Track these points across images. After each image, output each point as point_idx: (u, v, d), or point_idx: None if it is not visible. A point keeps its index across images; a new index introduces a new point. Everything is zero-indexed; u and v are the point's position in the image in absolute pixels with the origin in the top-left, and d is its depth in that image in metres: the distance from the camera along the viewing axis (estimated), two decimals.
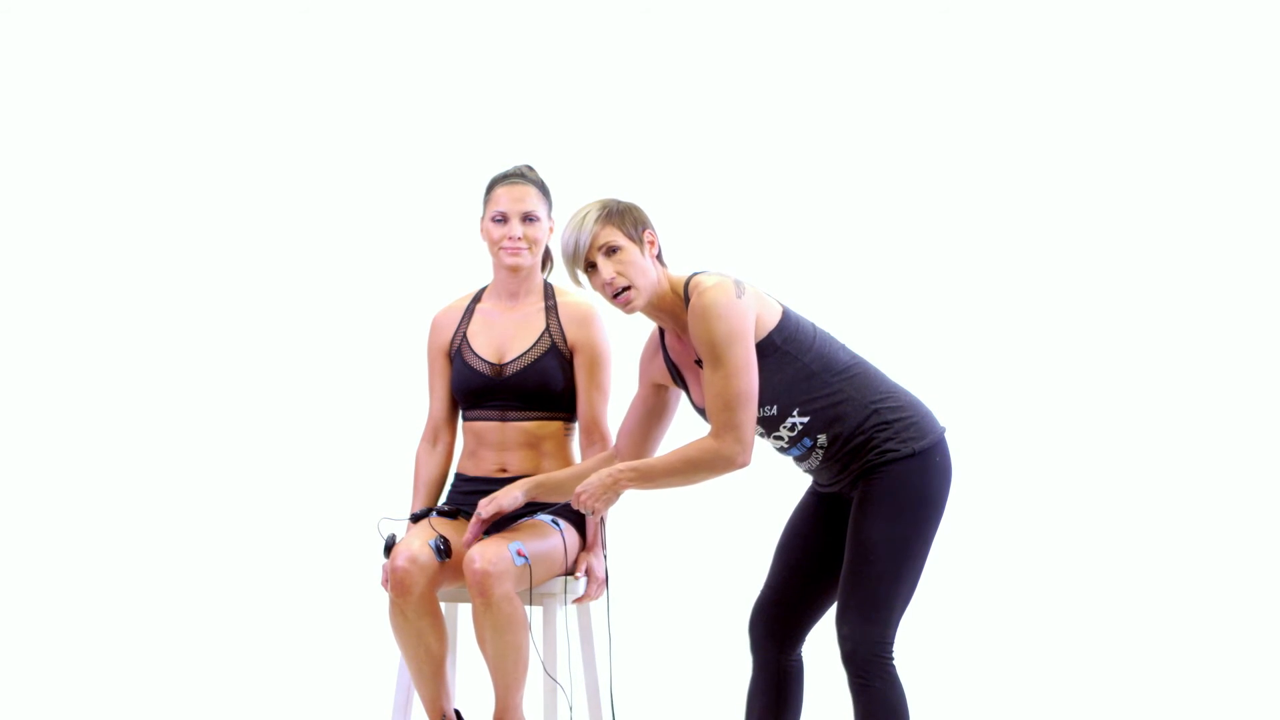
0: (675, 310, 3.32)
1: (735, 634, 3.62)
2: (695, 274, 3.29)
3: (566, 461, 3.78)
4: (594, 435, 3.76)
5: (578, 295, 3.78)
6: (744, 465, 3.23)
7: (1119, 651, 5.34)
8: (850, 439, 3.28)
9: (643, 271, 3.27)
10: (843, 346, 3.35)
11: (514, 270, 3.78)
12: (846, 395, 3.29)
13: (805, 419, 3.29)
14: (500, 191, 3.76)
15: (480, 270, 3.91)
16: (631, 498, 3.59)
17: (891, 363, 3.50)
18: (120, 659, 5.39)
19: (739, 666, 3.59)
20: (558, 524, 3.67)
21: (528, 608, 3.54)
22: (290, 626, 5.53)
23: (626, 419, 3.52)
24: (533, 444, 3.75)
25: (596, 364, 3.76)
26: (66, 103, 5.81)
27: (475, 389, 3.76)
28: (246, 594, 5.62)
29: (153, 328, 5.81)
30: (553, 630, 3.66)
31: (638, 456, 3.48)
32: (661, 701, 4.94)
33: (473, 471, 3.79)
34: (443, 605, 3.68)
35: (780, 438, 3.34)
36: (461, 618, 3.84)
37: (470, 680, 3.99)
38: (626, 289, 3.26)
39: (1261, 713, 4.89)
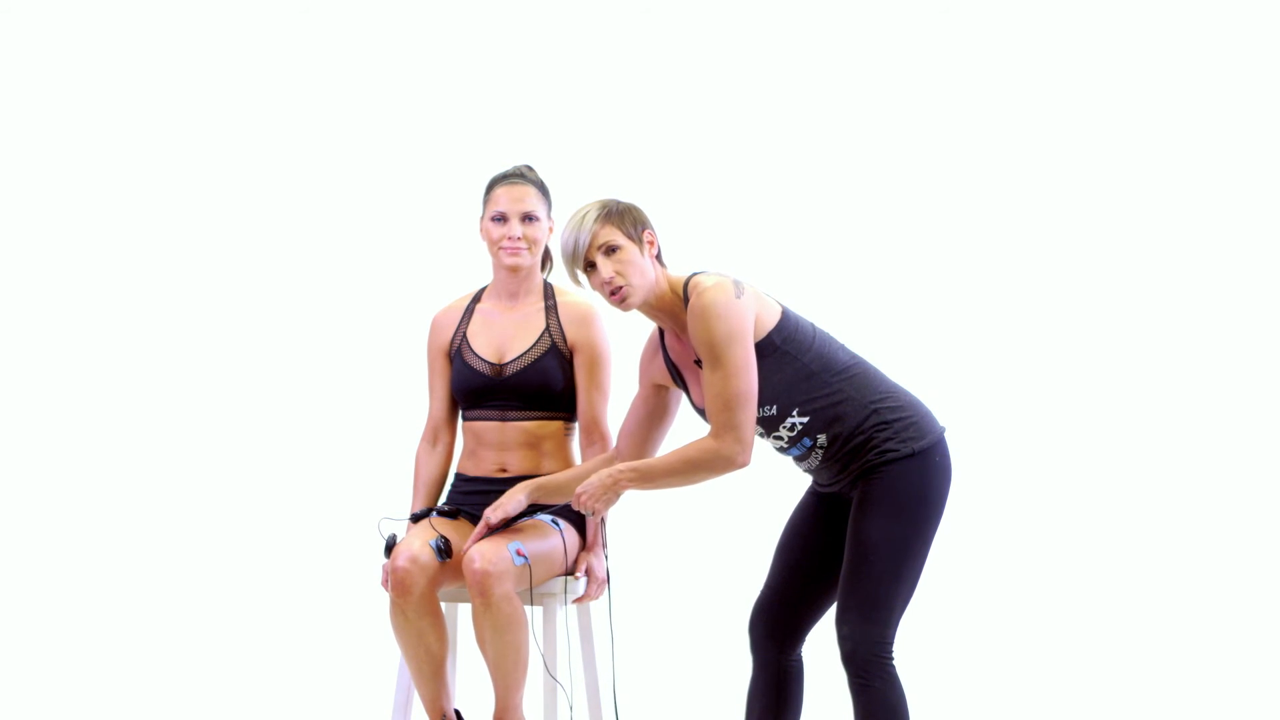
0: (675, 310, 3.32)
1: (735, 634, 3.62)
2: (694, 274, 3.29)
3: (567, 461, 3.78)
4: (594, 435, 3.76)
5: (578, 295, 3.78)
6: (744, 465, 3.23)
7: (1119, 651, 5.34)
8: (850, 439, 3.28)
9: (641, 271, 3.27)
10: (842, 346, 3.35)
11: (514, 270, 3.78)
12: (846, 395, 3.29)
13: (805, 419, 3.30)
14: (500, 191, 3.76)
15: (480, 270, 3.91)
16: (631, 498, 3.59)
17: (891, 363, 3.50)
18: (120, 659, 5.39)
19: (739, 666, 3.59)
20: (558, 524, 3.67)
21: (528, 608, 3.54)
22: (290, 626, 5.53)
23: (627, 420, 3.52)
24: (533, 444, 3.75)
25: (596, 364, 3.76)
26: (66, 103, 5.81)
27: (475, 389, 3.76)
28: (247, 594, 5.62)
29: (153, 328, 5.81)
30: (553, 630, 3.66)
31: (638, 457, 3.49)
32: (661, 701, 4.94)
33: (473, 471, 3.79)
34: (443, 605, 3.68)
35: (780, 438, 3.34)
36: (461, 618, 3.84)
37: (470, 680, 3.99)
38: (623, 288, 3.26)
39: (1261, 713, 4.89)
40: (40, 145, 5.82)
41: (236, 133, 5.82)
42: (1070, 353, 5.77)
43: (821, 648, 3.47)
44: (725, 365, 3.19)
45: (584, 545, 3.73)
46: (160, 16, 5.81)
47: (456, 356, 3.82)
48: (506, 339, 3.78)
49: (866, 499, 3.26)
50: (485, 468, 3.77)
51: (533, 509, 3.64)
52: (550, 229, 3.79)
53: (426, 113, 5.79)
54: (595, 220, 3.28)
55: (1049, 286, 5.78)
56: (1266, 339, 5.73)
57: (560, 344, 3.76)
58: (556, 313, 3.79)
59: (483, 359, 3.77)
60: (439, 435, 3.87)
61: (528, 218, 3.75)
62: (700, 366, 3.29)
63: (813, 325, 3.35)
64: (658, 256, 3.34)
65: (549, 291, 3.83)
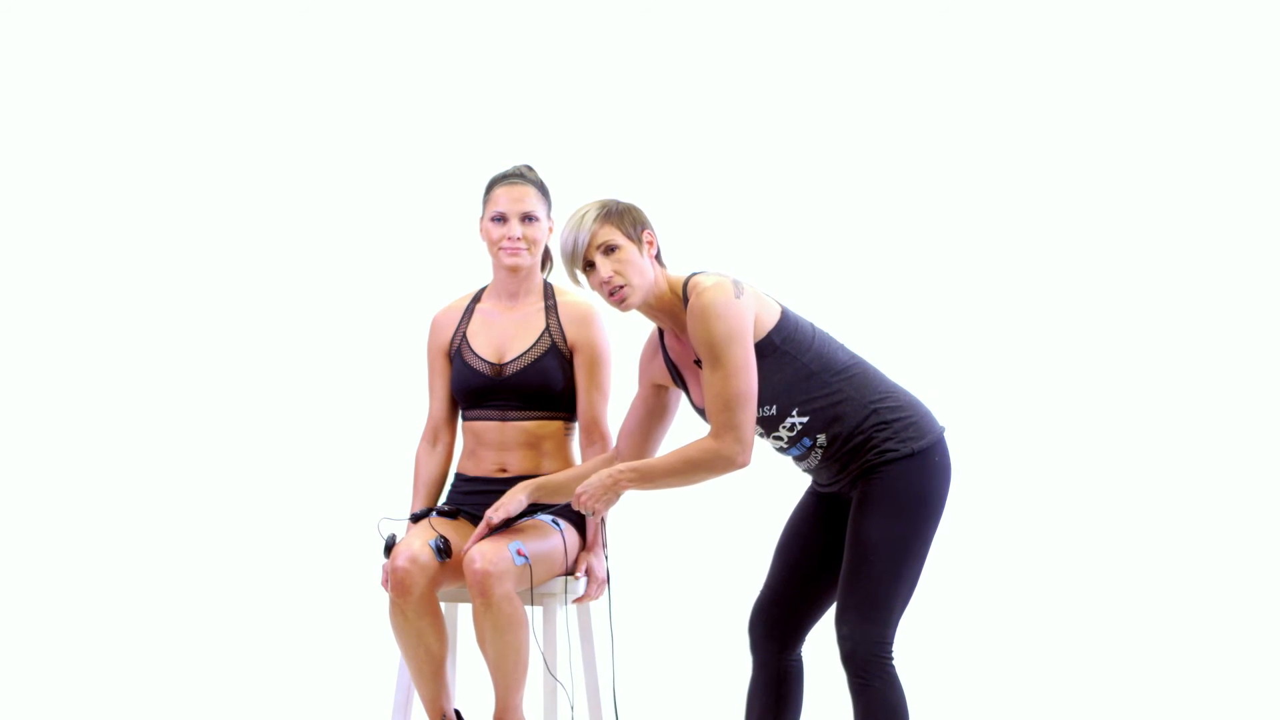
0: (674, 310, 3.32)
1: (735, 634, 3.62)
2: (694, 274, 3.29)
3: (567, 461, 3.78)
4: (594, 435, 3.76)
5: (577, 295, 3.78)
6: (744, 465, 3.23)
7: (1119, 651, 5.34)
8: (849, 439, 3.28)
9: (640, 271, 3.28)
10: (841, 346, 3.35)
11: (513, 270, 3.78)
12: (846, 395, 3.29)
13: (804, 419, 3.30)
14: (499, 192, 3.76)
15: (480, 270, 3.91)
16: (631, 498, 3.59)
17: (891, 362, 3.50)
18: (120, 659, 5.39)
19: (739, 666, 3.59)
20: (558, 524, 3.67)
21: (528, 608, 3.54)
22: (290, 626, 5.53)
23: (627, 420, 3.52)
24: (533, 444, 3.75)
25: (596, 364, 3.76)
26: (66, 103, 5.81)
27: (475, 389, 3.76)
28: (247, 594, 5.62)
29: (153, 328, 5.81)
30: (553, 630, 3.66)
31: (638, 457, 3.49)
32: (661, 701, 4.94)
33: (473, 471, 3.79)
34: (443, 605, 3.68)
35: (780, 438, 3.34)
36: (461, 618, 3.84)
37: (470, 680, 3.99)
38: (622, 287, 3.26)
39: (1261, 713, 4.89)
40: (40, 145, 5.82)
41: (237, 133, 5.82)
42: (1070, 353, 5.77)
43: (821, 648, 3.47)
44: (725, 365, 3.19)
45: (584, 545, 3.73)
46: (160, 16, 5.81)
47: (456, 356, 3.82)
48: (506, 339, 3.78)
49: (866, 499, 3.26)
50: (485, 468, 3.77)
51: (533, 509, 3.64)
52: (550, 229, 3.79)
53: (426, 113, 5.79)
54: (594, 220, 3.28)
55: (1049, 286, 5.78)
56: (1266, 339, 5.73)
57: (560, 344, 3.76)
58: (556, 313, 3.79)
59: (483, 359, 3.77)
60: (439, 435, 3.87)
61: (527, 218, 3.75)
62: (700, 366, 3.29)
63: (812, 325, 3.35)
64: (657, 256, 3.34)
65: (549, 291, 3.83)
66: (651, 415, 3.50)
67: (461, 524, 3.69)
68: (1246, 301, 5.75)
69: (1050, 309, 5.78)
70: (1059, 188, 5.79)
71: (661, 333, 3.44)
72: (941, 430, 3.32)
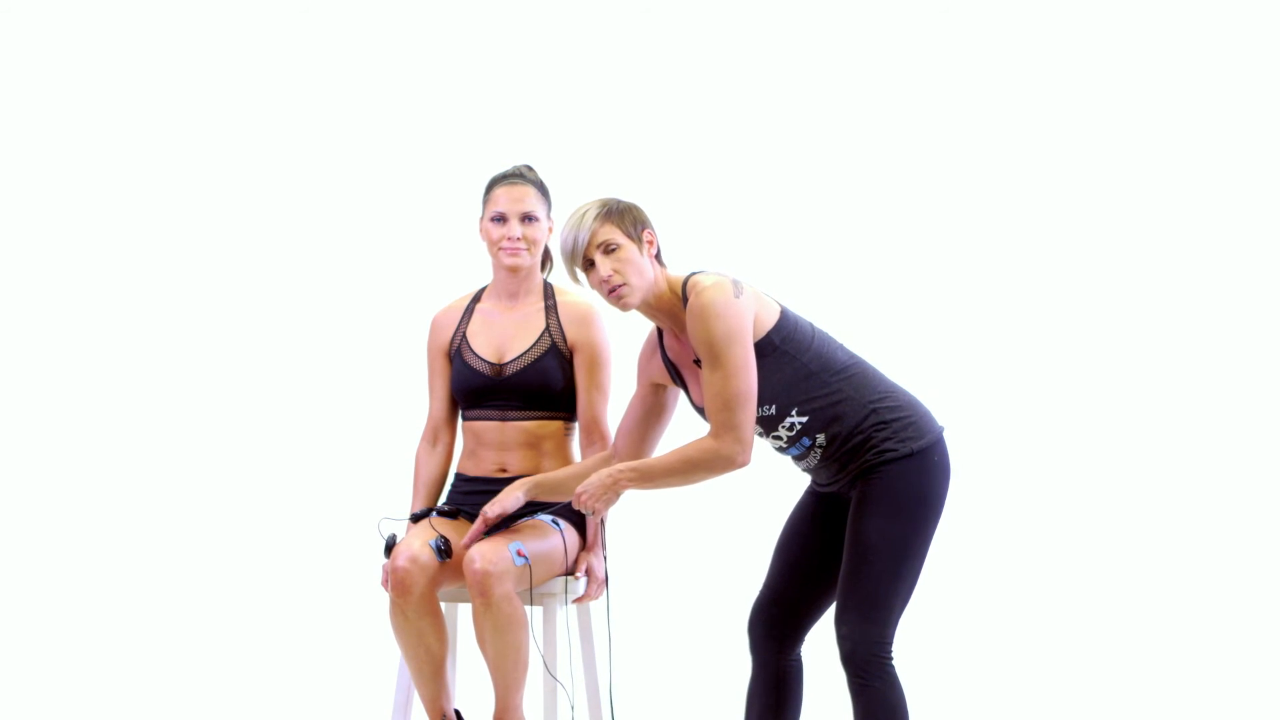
0: (673, 310, 3.32)
1: (735, 634, 3.62)
2: (693, 274, 3.30)
3: (566, 461, 3.78)
4: (594, 435, 3.76)
5: (577, 295, 3.79)
6: (744, 465, 3.23)
7: (1119, 651, 5.34)
8: (849, 438, 3.28)
9: (640, 270, 3.28)
10: (841, 346, 3.35)
11: (513, 270, 3.78)
12: (845, 395, 3.29)
13: (804, 419, 3.30)
14: (499, 192, 3.76)
15: (480, 270, 3.91)
16: (631, 498, 3.59)
17: (890, 362, 3.50)
18: (120, 659, 5.39)
19: (739, 666, 3.59)
20: (558, 524, 3.67)
21: (528, 608, 3.54)
22: (290, 626, 5.53)
23: (625, 419, 3.52)
24: (533, 444, 3.75)
25: (596, 363, 3.76)
26: (66, 103, 5.81)
27: (475, 389, 3.76)
28: (247, 594, 5.62)
29: (153, 328, 5.81)
30: (553, 630, 3.66)
31: (636, 456, 3.49)
32: (661, 701, 4.94)
33: (473, 471, 3.79)
34: (443, 605, 3.68)
35: (779, 437, 3.34)
36: (461, 618, 3.84)
37: (470, 680, 3.99)
38: (621, 286, 3.26)
39: (1261, 713, 4.89)
40: (40, 145, 5.82)
41: (237, 133, 5.82)
42: (1069, 352, 5.77)
43: (821, 648, 3.47)
44: (724, 365, 3.19)
45: (584, 545, 3.73)
46: (160, 16, 5.81)
47: (456, 356, 3.82)
48: (506, 339, 3.78)
49: (865, 499, 3.26)
50: (485, 468, 3.77)
51: (532, 508, 3.64)
52: (550, 229, 3.79)
53: (426, 113, 5.79)
54: (595, 219, 3.28)
55: (1048, 286, 5.78)
56: (1266, 339, 5.73)
57: (560, 344, 3.76)
58: (556, 312, 3.79)
59: (483, 359, 3.77)
60: (439, 435, 3.87)
61: (527, 218, 3.75)
62: (699, 366, 3.30)
63: (811, 325, 3.35)
64: (657, 256, 3.34)
65: (549, 291, 3.83)
66: (650, 415, 3.49)
67: (461, 524, 3.69)
68: (1246, 301, 5.75)
69: (1050, 309, 5.78)
70: (1059, 187, 5.79)
71: (660, 332, 3.44)
72: (941, 430, 3.32)
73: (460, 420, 3.86)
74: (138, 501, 5.74)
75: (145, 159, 5.83)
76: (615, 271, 3.26)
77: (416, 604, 3.53)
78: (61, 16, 5.81)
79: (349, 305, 5.76)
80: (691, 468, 3.24)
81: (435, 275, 4.82)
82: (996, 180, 5.79)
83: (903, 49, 5.79)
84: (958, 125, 5.79)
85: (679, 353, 3.39)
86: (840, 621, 3.24)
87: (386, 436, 5.07)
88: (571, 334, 3.77)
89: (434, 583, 3.55)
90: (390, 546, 3.63)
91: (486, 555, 3.46)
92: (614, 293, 3.27)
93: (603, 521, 3.72)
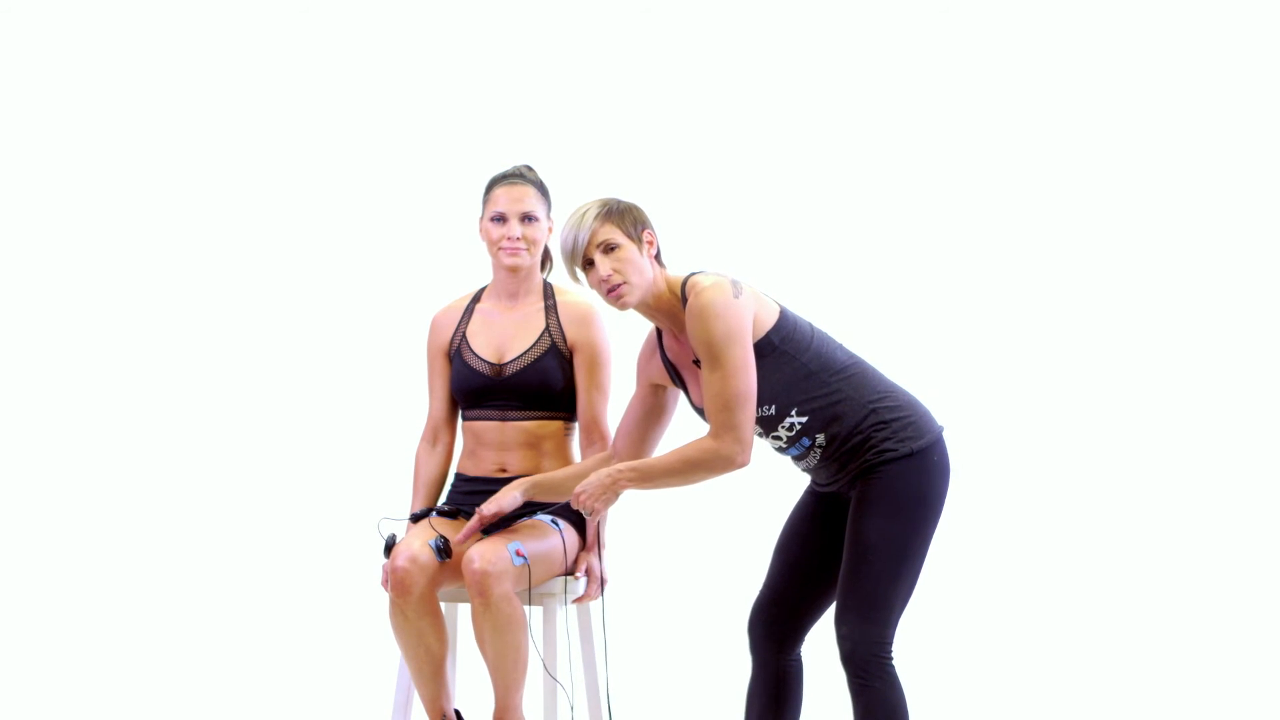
0: (673, 310, 3.32)
1: (734, 634, 3.62)
2: (692, 274, 3.30)
3: (566, 461, 3.78)
4: (594, 435, 3.76)
5: (577, 295, 3.79)
6: (743, 465, 3.23)
7: (1119, 651, 5.34)
8: (848, 438, 3.28)
9: (639, 270, 3.28)
10: (840, 346, 3.35)
11: (513, 270, 3.78)
12: (845, 395, 3.29)
13: (803, 419, 3.30)
14: (499, 192, 3.76)
15: (480, 270, 3.91)
16: (631, 498, 3.59)
17: (890, 362, 3.50)
18: (120, 659, 5.39)
19: (738, 666, 3.59)
20: (557, 524, 3.67)
21: (527, 608, 3.54)
22: (290, 626, 5.53)
23: (624, 419, 3.52)
24: (533, 444, 3.75)
25: (596, 363, 3.76)
26: (66, 103, 5.81)
27: (475, 389, 3.76)
28: (247, 594, 5.62)
29: (153, 328, 5.81)
30: (553, 630, 3.66)
31: (635, 456, 3.49)
32: (661, 702, 4.94)
33: (472, 471, 3.79)
34: (443, 605, 3.68)
35: (779, 437, 3.34)
36: (461, 618, 3.84)
37: (470, 680, 3.99)
38: (621, 285, 3.26)
39: (1261, 713, 4.89)
40: (40, 145, 5.82)
41: (237, 133, 5.82)
42: (1069, 352, 5.77)
43: (821, 648, 3.47)
44: (724, 365, 3.19)
45: (584, 545, 3.73)
46: (160, 16, 5.81)
47: (456, 356, 3.82)
48: (506, 339, 3.78)
49: (865, 499, 3.26)
50: (485, 468, 3.77)
51: (532, 508, 3.64)
52: (550, 229, 3.79)
53: (426, 113, 5.79)
54: (595, 218, 3.28)
55: (1048, 286, 5.78)
56: (1266, 339, 5.73)
57: (560, 344, 3.76)
58: (556, 312, 3.79)
59: (482, 359, 3.77)
60: (439, 435, 3.87)
61: (527, 218, 3.75)
62: (699, 366, 3.30)
63: (811, 325, 3.35)
64: (656, 256, 3.34)
65: (549, 291, 3.83)
66: (649, 415, 3.49)
67: (461, 524, 3.69)
68: (1246, 301, 5.75)
69: (1049, 309, 5.78)
70: (1058, 187, 5.79)
71: (660, 333, 3.44)
72: (940, 430, 3.33)
73: (460, 420, 3.86)
74: (138, 501, 5.74)
75: (145, 159, 5.83)
76: (615, 271, 3.27)
77: (416, 604, 3.53)
78: (61, 16, 5.81)
79: (349, 305, 5.76)
80: (691, 468, 3.24)
81: (435, 275, 4.82)
82: (996, 180, 5.79)
83: (903, 49, 5.79)
84: (957, 125, 5.79)
85: (678, 353, 3.39)
86: (840, 621, 3.24)
87: (386, 436, 5.07)
88: (571, 334, 3.76)
89: (434, 583, 3.55)
90: (390, 546, 3.63)
91: (486, 555, 3.46)
92: (613, 292, 3.27)
93: (602, 521, 3.72)
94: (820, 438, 3.30)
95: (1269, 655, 5.28)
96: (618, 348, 3.79)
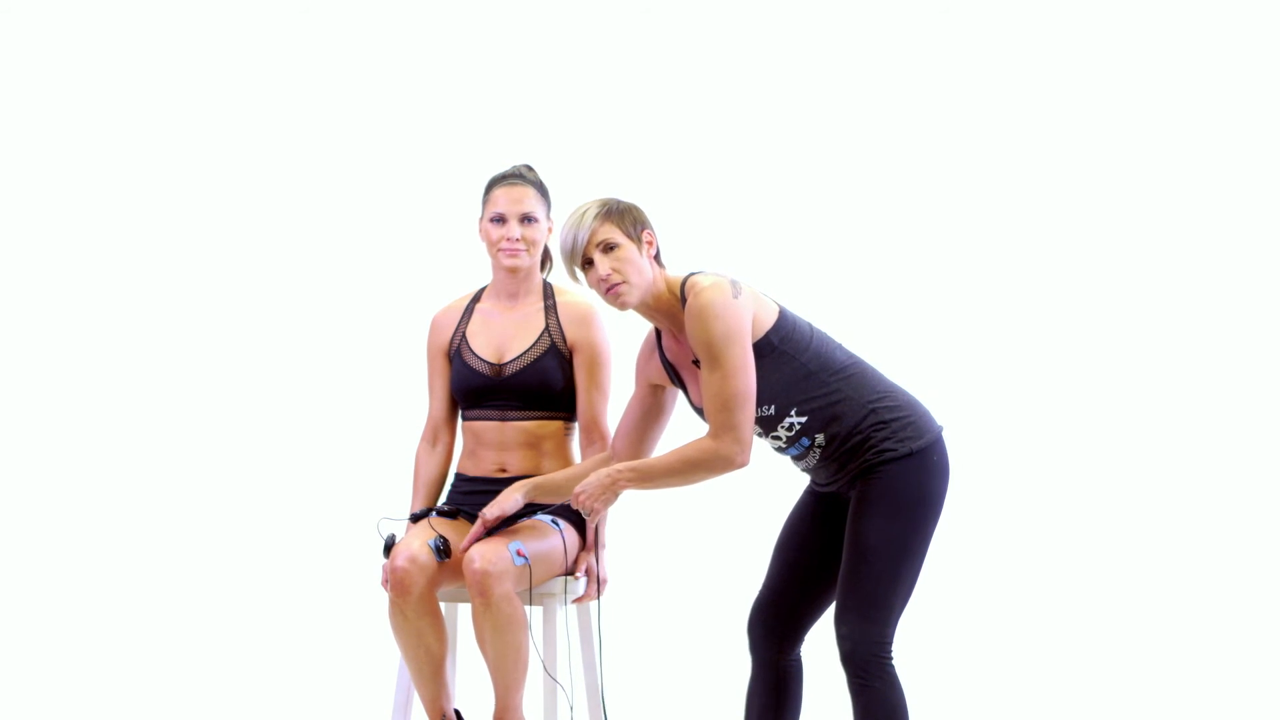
0: (672, 310, 3.32)
1: (734, 634, 3.62)
2: (692, 274, 3.30)
3: (566, 461, 3.78)
4: (594, 435, 3.76)
5: (577, 295, 3.79)
6: (743, 465, 3.23)
7: (1119, 651, 5.34)
8: (848, 438, 3.28)
9: (639, 270, 3.28)
10: (839, 346, 3.35)
11: (512, 271, 3.78)
12: (844, 395, 3.29)
13: (803, 419, 3.30)
14: (499, 192, 3.76)
15: (480, 270, 3.91)
16: (631, 498, 3.59)
17: (889, 362, 3.50)
18: (120, 659, 5.39)
19: (738, 667, 3.59)
20: (557, 524, 3.67)
21: (527, 608, 3.54)
22: (290, 626, 5.53)
23: (623, 419, 3.52)
24: (532, 444, 3.75)
25: (596, 363, 3.76)
26: (66, 103, 5.81)
27: (475, 389, 3.76)
28: (247, 594, 5.62)
29: (153, 328, 5.81)
30: (553, 630, 3.66)
31: (635, 457, 3.49)
32: (661, 702, 4.94)
33: (472, 471, 3.79)
34: (443, 605, 3.68)
35: (778, 437, 3.34)
36: (461, 618, 3.84)
37: (470, 680, 3.99)
38: (620, 284, 3.26)
39: (1261, 713, 4.89)
40: (40, 145, 5.82)
41: (237, 133, 5.82)
42: (1068, 352, 5.77)
43: (821, 648, 3.47)
44: (723, 365, 3.19)
45: (584, 545, 3.73)
46: (160, 16, 5.81)
47: (456, 356, 3.82)
48: (506, 339, 3.78)
49: (864, 499, 3.26)
50: (485, 468, 3.77)
51: (532, 508, 3.64)
52: (549, 229, 3.79)
53: (426, 113, 5.79)
54: (595, 218, 3.29)
55: (1047, 286, 5.78)
56: (1266, 339, 5.73)
57: (560, 344, 3.76)
58: (556, 312, 3.79)
59: (482, 359, 3.77)
60: (439, 435, 3.87)
61: (526, 219, 3.75)
62: (698, 367, 3.30)
63: (810, 325, 3.35)
64: (656, 257, 3.34)
65: (549, 291, 3.83)
66: (648, 415, 3.50)
67: (461, 524, 3.69)
68: (1246, 301, 5.75)
69: (1049, 309, 5.78)
70: (1058, 187, 5.79)
71: (659, 333, 3.44)
72: (940, 430, 3.33)
73: (460, 420, 3.86)
74: (138, 502, 5.74)
75: (145, 159, 5.83)
76: (614, 270, 3.27)
77: (416, 604, 3.53)
78: (61, 16, 5.81)
79: (349, 305, 5.76)
80: (690, 468, 3.24)
81: (435, 275, 4.82)
82: (996, 180, 5.79)
83: (903, 49, 5.79)
84: (957, 125, 5.79)
85: (677, 353, 3.40)
86: (840, 621, 3.24)
87: (386, 436, 5.07)
88: (571, 334, 3.77)
89: (433, 583, 3.55)
90: (390, 546, 3.64)
91: (486, 555, 3.46)
92: (612, 291, 3.27)
93: (601, 522, 3.72)
94: (820, 438, 3.30)
95: (1269, 655, 5.28)
96: (618, 348, 3.79)
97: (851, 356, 3.35)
